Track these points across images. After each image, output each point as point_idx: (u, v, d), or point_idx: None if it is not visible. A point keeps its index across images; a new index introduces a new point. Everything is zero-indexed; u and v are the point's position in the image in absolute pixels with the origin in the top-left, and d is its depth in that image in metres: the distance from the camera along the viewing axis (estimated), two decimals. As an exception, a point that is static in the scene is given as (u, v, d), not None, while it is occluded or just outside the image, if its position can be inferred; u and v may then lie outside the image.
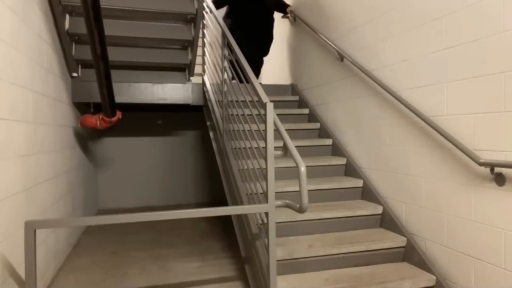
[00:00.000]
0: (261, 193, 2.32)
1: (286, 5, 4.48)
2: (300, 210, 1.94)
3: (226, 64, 3.02)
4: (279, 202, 2.08)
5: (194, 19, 3.29)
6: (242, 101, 2.72)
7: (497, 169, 1.92)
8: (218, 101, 3.41)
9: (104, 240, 3.78)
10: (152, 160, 5.58)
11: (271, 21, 4.57)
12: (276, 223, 2.03)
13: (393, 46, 2.73)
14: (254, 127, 2.44)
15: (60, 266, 3.02)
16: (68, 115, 3.41)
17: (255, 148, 2.46)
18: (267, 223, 2.00)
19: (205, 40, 3.94)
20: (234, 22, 4.26)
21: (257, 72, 4.57)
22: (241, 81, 2.74)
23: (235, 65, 2.84)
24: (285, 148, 2.08)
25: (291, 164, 2.90)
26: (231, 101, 2.92)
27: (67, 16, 3.00)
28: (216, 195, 5.74)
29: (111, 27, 2.93)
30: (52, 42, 2.84)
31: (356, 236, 2.58)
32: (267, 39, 4.60)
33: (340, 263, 2.40)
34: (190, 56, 3.63)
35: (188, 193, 5.74)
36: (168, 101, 3.81)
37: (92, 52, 2.27)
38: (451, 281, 2.23)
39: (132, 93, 3.70)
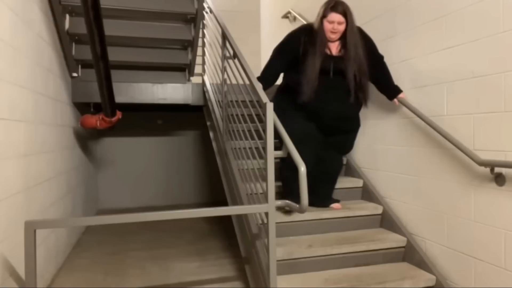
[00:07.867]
0: (261, 193, 2.32)
1: (399, 90, 2.63)
2: (300, 210, 1.94)
3: (226, 64, 3.01)
4: (279, 202, 2.08)
5: (194, 19, 3.29)
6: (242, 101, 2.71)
7: (497, 169, 1.92)
8: (218, 101, 3.41)
9: (104, 240, 3.78)
10: (152, 160, 5.58)
11: (359, 100, 2.69)
12: (276, 223, 2.03)
13: (392, 46, 2.73)
14: (254, 127, 2.44)
15: (60, 266, 3.02)
16: (68, 115, 3.41)
17: (255, 148, 2.45)
18: (267, 223, 2.00)
19: (205, 40, 3.93)
20: (296, 101, 2.60)
21: (330, 184, 2.90)
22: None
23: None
24: (285, 148, 2.08)
25: (291, 164, 2.89)
26: (231, 101, 2.92)
27: (67, 16, 3.00)
28: (216, 195, 5.73)
29: (111, 27, 2.93)
30: (52, 42, 2.84)
31: (356, 236, 2.58)
32: (350, 127, 2.80)
33: (340, 263, 2.39)
34: (190, 56, 3.63)
35: (188, 193, 5.73)
36: (168, 101, 3.81)
37: (92, 52, 2.27)
38: (451, 281, 2.23)
39: (132, 93, 3.70)
